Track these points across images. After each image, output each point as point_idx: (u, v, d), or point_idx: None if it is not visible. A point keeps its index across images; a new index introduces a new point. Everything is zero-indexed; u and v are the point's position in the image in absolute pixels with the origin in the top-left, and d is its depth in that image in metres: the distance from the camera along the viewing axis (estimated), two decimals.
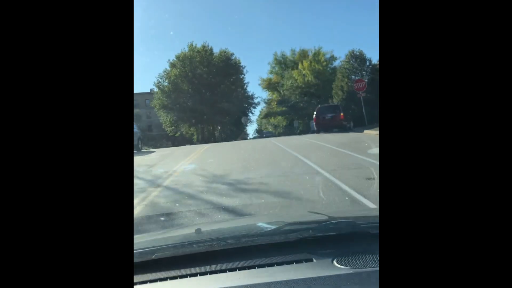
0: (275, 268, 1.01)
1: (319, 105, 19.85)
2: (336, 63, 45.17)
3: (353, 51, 38.18)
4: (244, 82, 46.52)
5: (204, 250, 1.13)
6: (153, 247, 1.17)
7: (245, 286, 0.93)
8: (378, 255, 0.92)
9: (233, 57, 44.43)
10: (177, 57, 42.48)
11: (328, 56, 45.10)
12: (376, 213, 1.20)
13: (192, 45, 42.85)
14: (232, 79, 43.56)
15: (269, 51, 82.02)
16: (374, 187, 4.80)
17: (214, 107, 41.45)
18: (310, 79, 43.20)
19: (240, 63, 45.54)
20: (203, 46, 42.77)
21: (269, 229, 1.31)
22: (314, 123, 19.55)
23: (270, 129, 58.91)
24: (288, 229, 1.24)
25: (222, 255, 1.10)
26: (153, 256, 1.10)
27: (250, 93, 47.38)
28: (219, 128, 44.15)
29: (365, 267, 0.97)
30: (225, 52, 43.84)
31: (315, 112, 19.66)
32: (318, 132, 19.86)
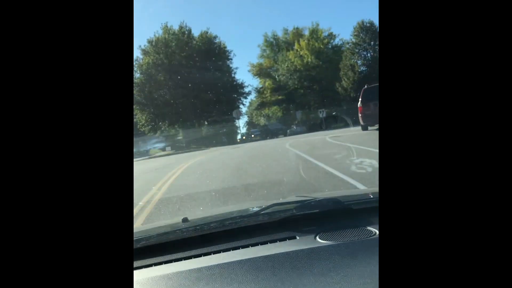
0: (259, 247, 1.04)
1: (366, 86, 12.55)
2: (336, 41, 38.42)
3: (362, 23, 31.36)
4: (232, 68, 39.62)
5: (188, 236, 1.15)
6: (139, 237, 1.17)
7: (229, 263, 0.95)
8: (359, 228, 1.05)
9: (216, 40, 37.41)
10: (150, 41, 35.43)
11: (325, 34, 38.25)
12: (362, 192, 1.44)
13: (167, 27, 35.72)
14: (217, 65, 36.54)
15: (258, 33, 74.34)
16: None
17: (197, 100, 34.58)
18: (310, 60, 36.43)
19: (225, 46, 38.59)
20: (181, 28, 35.65)
21: (252, 211, 1.30)
22: (360, 114, 12.09)
23: (262, 122, 52.22)
24: (271, 210, 1.25)
25: (207, 240, 1.11)
26: (139, 245, 1.12)
27: (239, 81, 40.53)
28: (206, 124, 37.18)
29: (346, 240, 1.00)
30: (206, 33, 36.78)
31: (360, 98, 11.99)
32: (366, 127, 12.18)
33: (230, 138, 33.56)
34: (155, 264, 1.04)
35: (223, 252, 1.03)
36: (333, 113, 29.81)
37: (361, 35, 31.27)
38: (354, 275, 0.80)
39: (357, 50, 31.73)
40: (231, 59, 39.00)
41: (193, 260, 1.02)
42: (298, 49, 37.46)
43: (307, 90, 37.92)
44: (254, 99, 49.30)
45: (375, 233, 1.02)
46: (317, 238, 1.04)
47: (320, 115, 28.59)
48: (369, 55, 30.81)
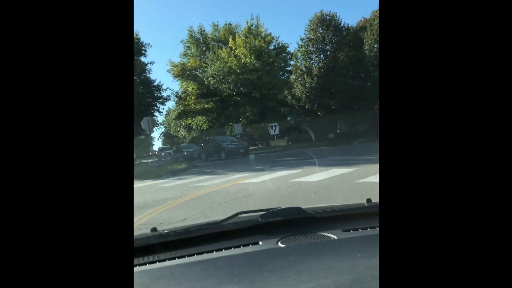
0: (223, 251, 1.07)
1: None
2: (274, 45, 31.30)
3: (322, 15, 24.55)
4: (146, 64, 30.21)
5: (154, 242, 1.16)
6: None
7: (190, 263, 1.01)
8: (317, 234, 1.13)
9: None
10: None
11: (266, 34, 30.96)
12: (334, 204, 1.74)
13: None
14: None
15: (183, 25, 64.52)
16: None
17: None
18: (249, 60, 28.67)
19: (138, 37, 29.18)
20: None
21: (218, 220, 1.31)
22: None
23: (182, 133, 43.06)
24: (238, 218, 1.29)
25: (171, 246, 1.13)
26: None
27: (155, 82, 31.18)
28: None
29: (303, 243, 1.08)
30: None
31: None
32: None
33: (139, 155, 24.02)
34: None
35: (187, 257, 1.06)
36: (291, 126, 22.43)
37: (319, 30, 24.42)
38: (305, 269, 0.86)
39: (313, 49, 24.75)
40: (145, 52, 29.72)
41: (156, 264, 1.04)
42: (233, 47, 29.56)
43: (244, 98, 30.02)
44: (173, 107, 40.21)
45: (332, 237, 1.10)
46: (279, 243, 1.09)
47: (272, 131, 20.86)
48: (330, 55, 24.00)
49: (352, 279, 0.79)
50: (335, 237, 1.09)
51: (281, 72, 31.66)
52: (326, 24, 24.14)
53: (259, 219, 1.23)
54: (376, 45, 25.62)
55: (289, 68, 29.75)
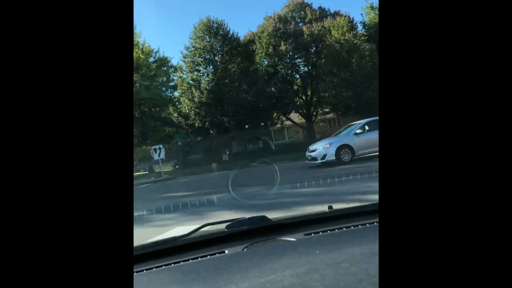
0: (190, 261, 1.10)
1: None
2: (154, 58, 27.70)
3: (208, 21, 21.73)
4: None
5: None
6: None
7: (158, 270, 1.04)
8: (279, 240, 1.18)
9: None
10: None
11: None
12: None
13: None
14: None
15: None
16: None
17: None
18: None
19: None
20: None
21: (186, 233, 1.32)
22: None
23: None
24: (204, 230, 1.31)
25: (139, 259, 1.15)
26: None
27: None
28: None
29: (265, 249, 1.11)
30: None
31: None
32: None
33: None
34: None
35: (155, 268, 1.08)
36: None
37: (207, 38, 21.62)
38: (267, 268, 0.90)
39: (201, 59, 21.76)
40: None
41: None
42: None
43: None
44: None
45: (290, 240, 1.15)
46: (244, 250, 1.12)
47: (155, 156, 16.84)
48: (220, 65, 21.28)
49: (308, 269, 0.84)
50: (296, 240, 1.15)
51: (164, 88, 27.85)
52: (214, 32, 21.50)
53: (225, 229, 1.26)
54: (266, 60, 24.12)
55: (173, 84, 26.17)
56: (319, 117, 26.26)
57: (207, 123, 20.96)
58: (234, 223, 1.27)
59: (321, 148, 10.57)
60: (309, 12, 25.19)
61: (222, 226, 1.28)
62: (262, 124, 22.10)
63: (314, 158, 10.62)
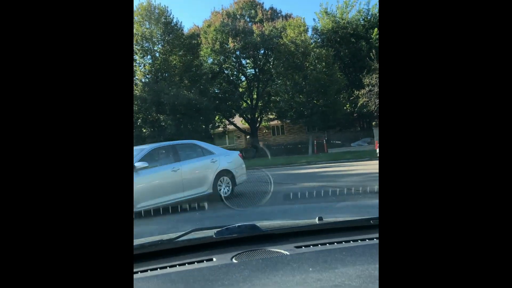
0: (177, 267, 1.08)
1: None
2: None
3: (149, 6, 19.28)
4: None
5: None
6: None
7: (145, 278, 1.02)
8: (271, 249, 1.16)
9: None
10: None
11: None
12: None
13: None
14: None
15: None
16: None
17: None
18: None
19: None
20: None
21: (173, 237, 1.31)
22: None
23: None
24: (192, 235, 1.29)
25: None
26: None
27: None
28: None
29: (257, 259, 1.10)
30: None
31: None
32: None
33: None
34: None
35: (140, 273, 1.06)
36: None
37: (147, 24, 19.07)
38: (259, 284, 0.91)
39: (138, 47, 19.10)
40: None
41: None
42: None
43: None
44: None
45: (285, 253, 1.13)
46: (233, 259, 1.10)
47: None
48: (160, 57, 18.81)
49: None
50: (288, 253, 1.13)
51: None
52: (155, 19, 19.03)
53: (214, 236, 1.24)
54: (211, 57, 22.16)
55: None
56: (263, 124, 24.78)
57: (139, 120, 18.31)
58: (223, 229, 1.25)
59: None
60: (260, 12, 23.80)
61: (211, 233, 1.25)
62: (203, 126, 19.94)
63: None
